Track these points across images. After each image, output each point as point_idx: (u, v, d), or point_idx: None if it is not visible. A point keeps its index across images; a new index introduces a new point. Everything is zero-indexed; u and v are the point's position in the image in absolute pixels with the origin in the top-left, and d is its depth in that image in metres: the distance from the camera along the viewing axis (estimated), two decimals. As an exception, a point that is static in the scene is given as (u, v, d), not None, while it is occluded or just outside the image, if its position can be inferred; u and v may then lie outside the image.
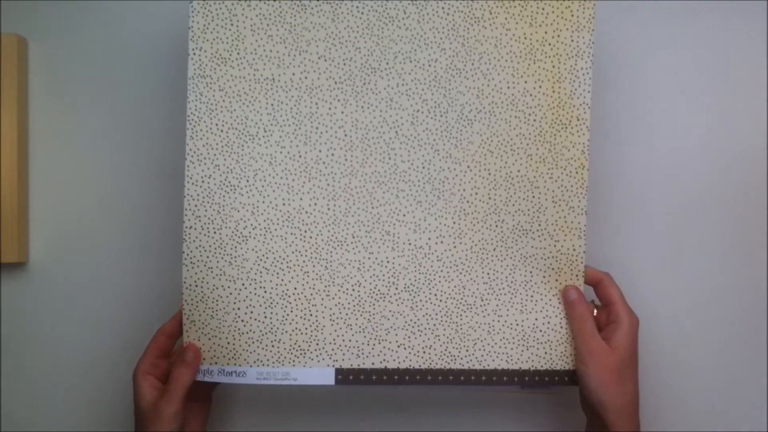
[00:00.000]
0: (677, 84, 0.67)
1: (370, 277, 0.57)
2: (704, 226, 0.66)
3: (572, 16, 0.57)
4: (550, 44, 0.58)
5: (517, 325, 0.58)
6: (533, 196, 0.58)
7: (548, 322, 0.58)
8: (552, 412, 0.67)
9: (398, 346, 0.57)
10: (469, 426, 0.67)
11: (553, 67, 0.58)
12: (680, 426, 0.67)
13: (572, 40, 0.57)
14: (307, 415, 0.67)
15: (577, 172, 0.58)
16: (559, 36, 0.57)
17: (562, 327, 0.58)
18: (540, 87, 0.58)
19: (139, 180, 0.68)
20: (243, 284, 0.56)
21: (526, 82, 0.58)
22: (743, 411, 0.66)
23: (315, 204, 0.57)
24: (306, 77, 0.57)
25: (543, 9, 0.57)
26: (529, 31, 0.58)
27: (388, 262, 0.57)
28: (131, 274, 0.67)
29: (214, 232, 0.56)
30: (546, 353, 0.58)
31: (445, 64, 0.58)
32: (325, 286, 0.57)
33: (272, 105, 0.57)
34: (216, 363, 0.56)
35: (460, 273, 0.58)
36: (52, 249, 0.68)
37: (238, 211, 0.57)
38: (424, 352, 0.57)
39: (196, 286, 0.56)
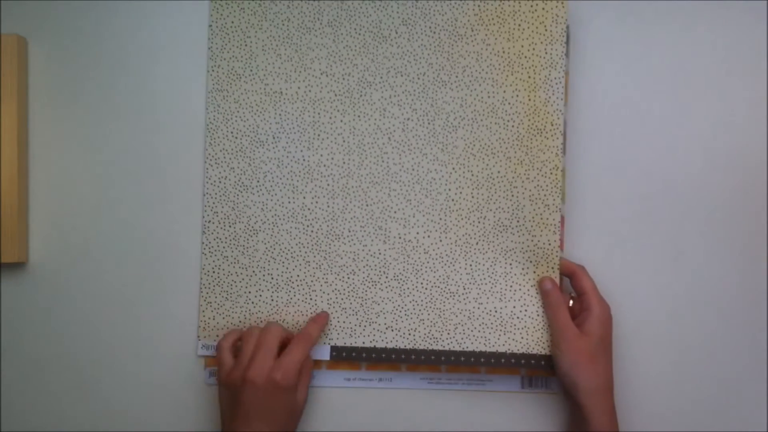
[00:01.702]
0: (676, 83, 0.71)
1: (364, 266, 0.67)
2: (709, 227, 0.70)
3: (546, 30, 0.66)
4: (526, 57, 0.66)
5: (496, 312, 0.66)
6: (512, 195, 0.66)
7: (526, 310, 0.66)
8: (552, 412, 0.71)
9: (386, 328, 0.67)
10: (469, 426, 0.71)
11: (529, 77, 0.66)
12: (680, 426, 0.70)
13: (546, 53, 0.66)
14: (306, 415, 0.70)
15: (551, 173, 0.66)
16: (534, 49, 0.66)
17: (538, 315, 0.66)
18: (517, 96, 0.66)
19: (139, 180, 0.71)
20: (253, 271, 0.68)
21: (504, 91, 0.67)
22: (743, 411, 0.70)
23: (316, 202, 0.68)
24: (310, 90, 0.68)
25: (519, 25, 0.66)
26: (507, 46, 0.66)
27: (380, 253, 0.67)
28: (131, 273, 0.70)
29: (229, 226, 0.68)
30: (522, 338, 0.66)
31: (432, 77, 0.67)
32: (324, 274, 0.67)
33: (280, 115, 0.68)
34: (229, 339, 0.67)
35: (445, 264, 0.67)
36: (52, 249, 0.71)
37: (250, 208, 0.68)
38: (409, 334, 0.67)
39: (213, 272, 0.68)
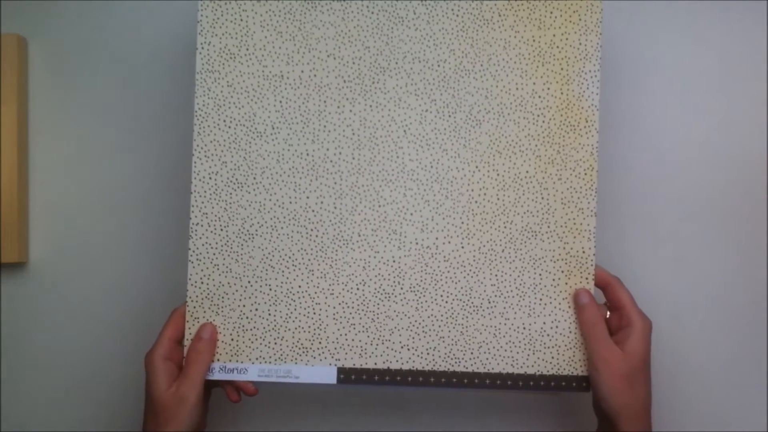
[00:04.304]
0: (678, 85, 0.73)
1: (376, 276, 0.63)
2: (710, 228, 0.72)
3: (580, 19, 0.64)
4: (558, 47, 0.64)
5: (524, 328, 0.63)
6: (542, 198, 0.64)
7: (557, 327, 0.63)
8: (553, 412, 0.73)
9: (402, 347, 0.63)
10: (469, 426, 0.72)
11: (562, 69, 0.64)
12: (680, 426, 0.72)
13: (580, 43, 0.64)
14: (307, 415, 0.73)
15: (586, 174, 0.64)
16: (567, 39, 0.64)
17: (571, 332, 0.63)
18: (548, 89, 0.64)
19: (139, 179, 0.74)
20: (248, 281, 0.62)
21: (534, 83, 0.64)
22: (743, 411, 0.72)
23: (321, 202, 0.63)
24: (315, 75, 0.64)
25: (551, 12, 0.64)
26: (538, 34, 0.64)
27: (393, 261, 0.63)
28: (131, 273, 0.73)
29: (221, 230, 0.62)
30: (553, 358, 0.63)
31: (453, 65, 0.64)
32: (330, 285, 0.63)
33: (280, 102, 0.64)
34: (218, 360, 0.62)
35: (468, 274, 0.64)
36: (52, 249, 0.74)
37: (245, 208, 0.63)
38: (427, 354, 0.63)
39: (202, 283, 0.62)
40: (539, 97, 0.64)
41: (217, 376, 0.62)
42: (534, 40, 0.64)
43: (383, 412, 0.73)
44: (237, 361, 0.62)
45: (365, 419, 0.73)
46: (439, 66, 0.64)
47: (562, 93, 0.64)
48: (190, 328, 0.62)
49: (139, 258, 0.74)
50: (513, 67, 0.64)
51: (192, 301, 0.62)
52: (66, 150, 0.74)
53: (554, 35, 0.64)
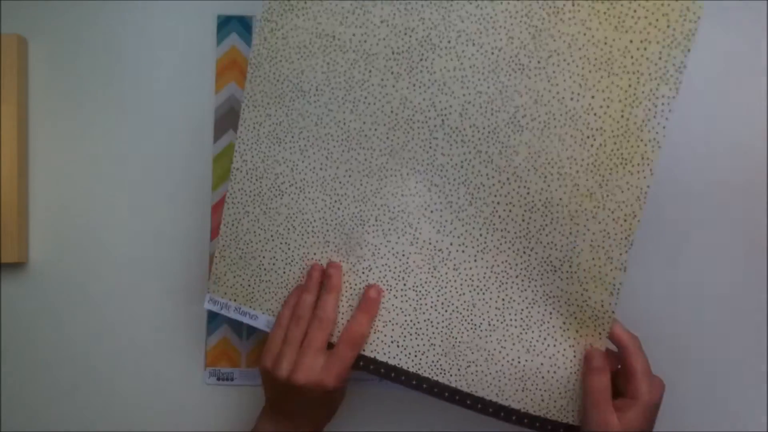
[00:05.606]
0: None
1: (382, 265, 0.62)
2: (709, 227, 0.72)
3: (668, 27, 0.51)
4: (632, 57, 0.52)
5: (519, 362, 0.59)
6: (570, 233, 0.56)
7: (555, 371, 0.58)
8: None
9: (392, 342, 0.62)
10: (469, 426, 0.71)
11: (630, 86, 0.52)
12: (681, 426, 0.71)
13: (660, 58, 0.51)
14: None
15: (625, 220, 0.54)
16: (646, 49, 0.51)
17: (569, 381, 0.58)
18: (608, 107, 0.53)
19: (139, 179, 0.75)
20: (271, 236, 0.65)
21: (593, 97, 0.54)
22: (743, 411, 0.72)
23: (349, 176, 0.62)
24: (365, 41, 0.60)
25: (635, 11, 0.51)
26: (612, 36, 0.52)
27: (403, 255, 0.61)
28: (131, 273, 0.75)
29: (256, 180, 0.65)
30: (543, 400, 0.58)
31: (509, 56, 0.56)
32: (340, 260, 0.63)
33: (328, 63, 0.62)
34: (235, 300, 0.68)
35: (474, 290, 0.60)
36: (52, 249, 0.76)
37: (280, 164, 0.64)
38: (415, 356, 0.62)
39: (233, 225, 0.67)
40: (595, 114, 0.54)
41: (232, 314, 0.68)
42: (605, 43, 0.53)
43: (383, 412, 0.73)
44: (251, 306, 0.67)
45: (365, 419, 0.73)
46: (493, 54, 0.56)
47: (623, 116, 0.53)
48: (216, 264, 0.67)
49: (139, 258, 0.75)
50: (573, 72, 0.54)
51: (223, 238, 0.67)
52: (66, 150, 0.75)
53: (631, 41, 0.52)
